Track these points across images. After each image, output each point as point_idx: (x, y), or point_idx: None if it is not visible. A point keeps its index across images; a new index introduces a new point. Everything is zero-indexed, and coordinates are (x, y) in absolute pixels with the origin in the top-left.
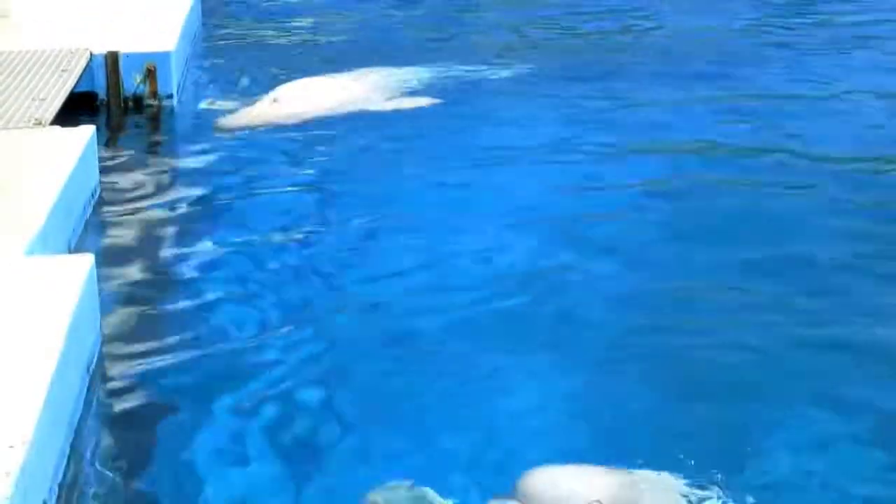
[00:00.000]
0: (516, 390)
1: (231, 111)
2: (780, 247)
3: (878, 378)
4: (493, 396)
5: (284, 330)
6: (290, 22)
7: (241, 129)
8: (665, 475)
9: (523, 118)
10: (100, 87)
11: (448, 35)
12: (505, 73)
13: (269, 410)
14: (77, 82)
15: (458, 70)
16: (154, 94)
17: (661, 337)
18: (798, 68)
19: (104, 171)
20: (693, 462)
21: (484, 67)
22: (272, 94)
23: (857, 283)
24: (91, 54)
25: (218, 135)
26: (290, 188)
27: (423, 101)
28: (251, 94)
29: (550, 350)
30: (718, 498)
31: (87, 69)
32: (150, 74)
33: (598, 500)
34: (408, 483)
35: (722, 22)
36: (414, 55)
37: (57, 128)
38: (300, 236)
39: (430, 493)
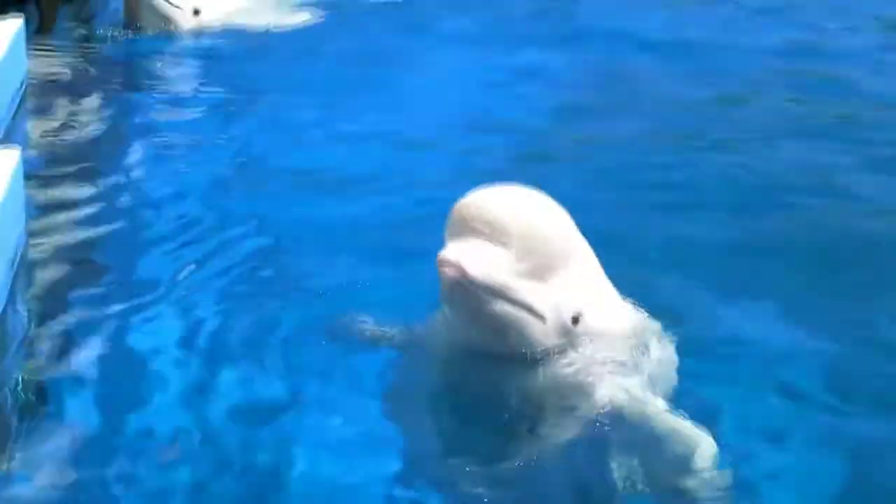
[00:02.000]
0: None
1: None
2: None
3: None
4: None
5: (209, 226)
6: None
7: (165, 29)
8: None
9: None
10: None
11: None
12: None
13: (196, 305)
14: None
15: None
16: None
17: None
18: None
19: (33, 62)
20: None
21: None
22: (197, 10)
23: None
24: None
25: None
26: (203, 93)
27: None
28: None
29: None
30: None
31: None
32: None
33: None
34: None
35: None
36: None
37: None
38: (217, 140)
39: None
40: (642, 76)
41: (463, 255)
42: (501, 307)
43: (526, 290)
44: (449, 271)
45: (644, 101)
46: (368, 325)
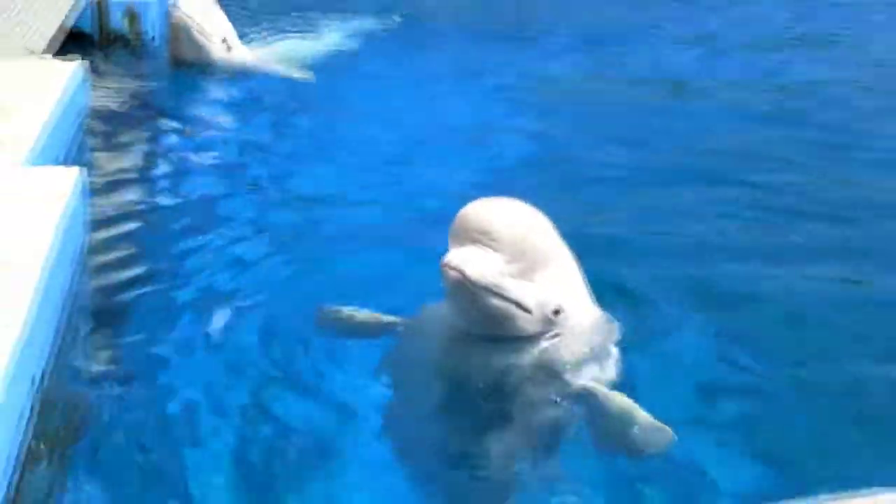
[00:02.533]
0: None
1: (198, 52)
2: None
3: None
4: None
5: (239, 232)
6: None
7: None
8: None
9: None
10: (91, 27)
11: None
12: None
13: (241, 311)
14: (71, 22)
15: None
16: (137, 35)
17: None
18: None
19: (93, 98)
20: None
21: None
22: (225, 39)
23: None
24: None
25: (186, 70)
26: (231, 118)
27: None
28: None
29: None
30: None
31: (81, 11)
32: (133, 18)
33: None
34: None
35: None
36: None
37: (52, 58)
38: (246, 158)
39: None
40: (629, 106)
41: (463, 259)
42: (496, 302)
43: (515, 288)
44: (452, 273)
45: (632, 129)
46: (362, 312)
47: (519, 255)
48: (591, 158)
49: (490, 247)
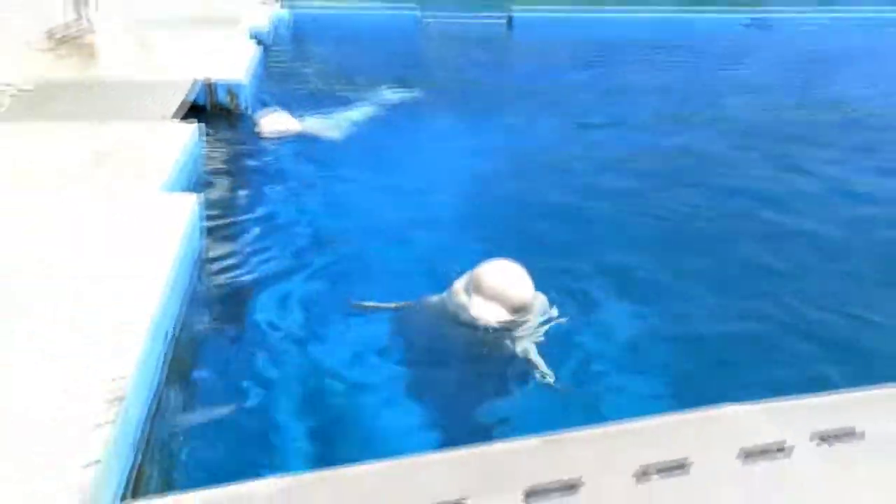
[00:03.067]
0: None
1: (273, 122)
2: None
3: None
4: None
5: (294, 249)
6: (321, 59)
7: (276, 134)
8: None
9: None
10: (204, 100)
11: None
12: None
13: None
14: (191, 97)
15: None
16: (236, 107)
17: None
18: None
19: (206, 149)
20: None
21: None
22: (287, 128)
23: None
24: (199, 81)
25: (261, 135)
26: (292, 171)
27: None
28: (289, 109)
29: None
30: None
31: (197, 90)
32: (232, 95)
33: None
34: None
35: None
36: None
37: (177, 121)
38: (305, 198)
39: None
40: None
41: (489, 315)
42: (505, 331)
43: (517, 324)
44: (486, 324)
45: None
46: (374, 301)
47: (521, 308)
48: (556, 200)
49: (502, 300)
